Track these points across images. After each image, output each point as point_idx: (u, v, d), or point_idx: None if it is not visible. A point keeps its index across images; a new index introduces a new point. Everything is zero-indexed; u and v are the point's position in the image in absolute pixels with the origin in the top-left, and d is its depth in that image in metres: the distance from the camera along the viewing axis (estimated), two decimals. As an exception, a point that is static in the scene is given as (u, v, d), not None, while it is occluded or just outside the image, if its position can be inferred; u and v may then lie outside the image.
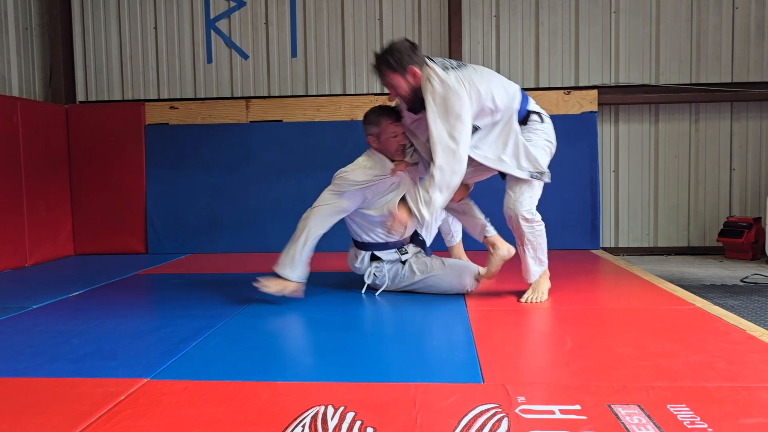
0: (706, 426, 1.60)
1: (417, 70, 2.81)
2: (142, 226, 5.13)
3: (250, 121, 5.12)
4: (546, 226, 5.18)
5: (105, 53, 5.52)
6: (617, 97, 5.14)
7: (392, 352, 2.31)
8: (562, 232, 4.96)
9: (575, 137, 4.93)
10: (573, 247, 4.93)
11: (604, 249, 5.15)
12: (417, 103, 2.87)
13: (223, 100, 5.23)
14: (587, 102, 4.96)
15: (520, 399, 1.79)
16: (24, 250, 4.59)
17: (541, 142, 2.99)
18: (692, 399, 1.78)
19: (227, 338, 2.51)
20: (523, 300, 3.02)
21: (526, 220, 2.95)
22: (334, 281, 3.64)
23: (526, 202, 2.95)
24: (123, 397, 1.85)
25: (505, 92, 2.89)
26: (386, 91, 5.43)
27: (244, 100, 5.15)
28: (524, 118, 2.98)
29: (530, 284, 3.07)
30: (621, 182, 5.29)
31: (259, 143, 5.07)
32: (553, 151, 3.08)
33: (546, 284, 3.10)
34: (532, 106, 3.04)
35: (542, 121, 3.03)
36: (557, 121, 4.95)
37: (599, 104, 5.06)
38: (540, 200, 5.05)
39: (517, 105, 2.92)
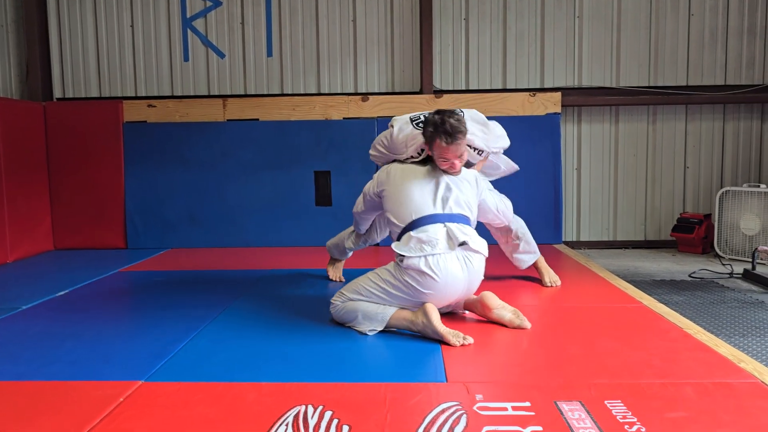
0: (635, 420, 1.86)
1: None
2: (121, 221, 5.26)
3: (227, 120, 5.26)
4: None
5: (81, 50, 5.58)
6: (580, 99, 5.40)
7: (366, 354, 2.52)
8: (527, 227, 5.22)
9: (540, 137, 5.18)
10: (537, 242, 5.18)
11: (567, 243, 5.43)
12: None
13: (200, 99, 5.35)
14: (551, 104, 5.21)
15: (478, 397, 2.03)
16: (6, 246, 4.69)
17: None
18: (627, 395, 2.03)
19: (212, 339, 2.71)
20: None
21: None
22: (312, 280, 3.85)
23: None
24: (122, 399, 2.04)
25: None
26: (358, 90, 5.58)
27: (221, 99, 5.28)
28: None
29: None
30: (583, 180, 5.57)
31: (236, 141, 5.21)
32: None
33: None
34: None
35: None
36: (523, 122, 5.28)
37: (563, 106, 5.32)
38: (506, 196, 5.33)
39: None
